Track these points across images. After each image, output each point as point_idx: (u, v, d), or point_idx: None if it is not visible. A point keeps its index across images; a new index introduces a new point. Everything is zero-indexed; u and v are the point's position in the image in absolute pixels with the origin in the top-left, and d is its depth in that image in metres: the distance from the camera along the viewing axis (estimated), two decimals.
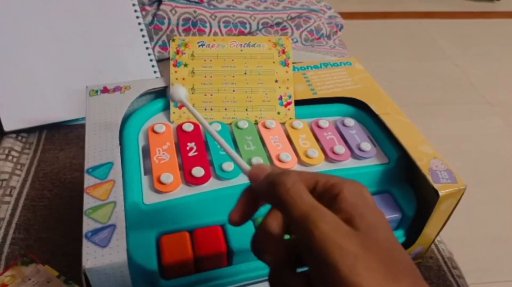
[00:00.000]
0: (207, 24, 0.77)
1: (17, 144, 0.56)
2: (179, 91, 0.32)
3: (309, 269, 0.22)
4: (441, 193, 0.36)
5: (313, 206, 0.22)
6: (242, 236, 0.35)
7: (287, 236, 0.25)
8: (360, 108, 0.47)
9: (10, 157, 0.54)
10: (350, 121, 0.46)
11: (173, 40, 0.45)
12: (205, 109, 0.44)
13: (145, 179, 0.37)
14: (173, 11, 0.75)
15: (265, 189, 0.24)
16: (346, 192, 0.23)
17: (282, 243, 0.24)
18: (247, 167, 0.26)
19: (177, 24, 0.75)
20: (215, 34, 0.78)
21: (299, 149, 0.41)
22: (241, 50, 0.46)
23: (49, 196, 0.50)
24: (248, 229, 0.35)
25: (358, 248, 0.20)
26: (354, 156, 0.42)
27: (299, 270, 0.24)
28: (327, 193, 0.23)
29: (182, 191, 0.36)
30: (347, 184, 0.23)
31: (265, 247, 0.24)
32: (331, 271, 0.20)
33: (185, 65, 0.45)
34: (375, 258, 0.20)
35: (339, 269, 0.20)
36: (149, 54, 0.66)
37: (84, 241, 0.30)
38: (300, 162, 0.40)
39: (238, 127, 0.43)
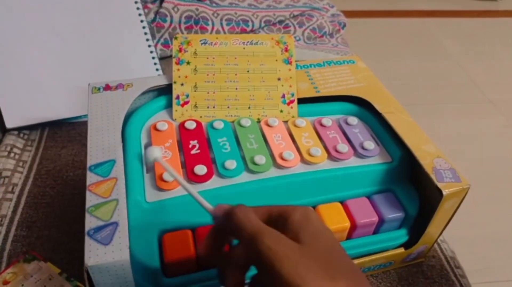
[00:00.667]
0: (210, 22, 0.77)
1: (19, 141, 0.56)
2: (154, 152, 0.35)
3: (263, 281, 0.25)
4: (445, 192, 0.36)
5: (259, 227, 0.26)
6: None
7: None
8: (363, 107, 0.47)
9: (12, 154, 0.54)
10: (353, 120, 0.45)
11: (176, 38, 0.45)
12: (208, 107, 0.44)
13: (147, 177, 0.37)
14: (176, 9, 0.75)
15: (223, 222, 0.28)
16: (294, 215, 0.26)
17: (243, 272, 0.27)
18: (210, 207, 0.30)
19: (179, 22, 0.75)
20: (218, 32, 0.77)
21: (302, 147, 0.41)
22: (244, 48, 0.46)
23: (51, 194, 0.50)
24: None
25: (298, 255, 0.24)
26: (357, 154, 0.42)
27: None
28: (280, 219, 0.27)
29: (184, 189, 0.36)
30: (295, 210, 0.27)
31: (228, 274, 0.27)
32: (276, 277, 0.23)
33: (188, 63, 0.45)
34: (314, 262, 0.24)
35: (282, 273, 0.23)
36: (151, 52, 0.66)
37: (87, 238, 0.30)
38: (303, 160, 0.40)
39: (240, 125, 0.43)
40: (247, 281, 0.28)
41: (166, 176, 0.36)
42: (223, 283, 0.28)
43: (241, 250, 0.27)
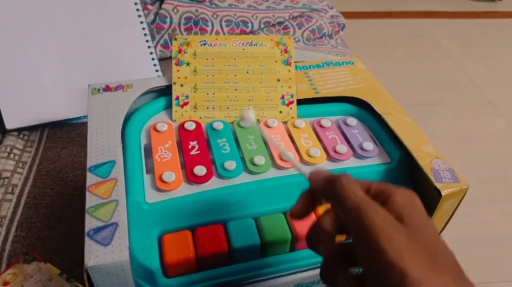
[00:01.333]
0: (209, 23, 0.77)
1: (19, 142, 0.57)
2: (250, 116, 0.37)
3: (359, 257, 0.24)
4: (443, 192, 0.36)
5: (365, 200, 0.24)
6: (243, 234, 0.35)
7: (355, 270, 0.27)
8: (362, 108, 0.47)
9: (12, 155, 0.54)
10: (352, 121, 0.46)
11: (175, 39, 0.45)
12: (207, 108, 0.44)
13: (147, 178, 0.37)
14: (175, 10, 0.75)
15: (323, 188, 0.27)
16: (397, 196, 0.25)
17: (333, 239, 0.27)
18: (306, 171, 0.30)
19: (179, 23, 0.75)
20: (217, 33, 0.78)
21: (301, 148, 0.41)
22: (243, 49, 0.46)
23: (51, 194, 0.51)
24: (250, 228, 0.35)
25: (406, 240, 0.22)
26: (356, 155, 0.42)
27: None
28: (379, 196, 0.25)
29: (184, 189, 0.36)
30: (398, 190, 0.25)
31: (318, 241, 0.27)
32: (379, 256, 0.22)
33: (187, 64, 0.45)
34: (420, 251, 0.22)
35: (387, 254, 0.21)
36: (151, 53, 0.66)
37: (86, 239, 0.30)
38: (302, 161, 0.40)
39: (240, 126, 0.43)
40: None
41: (166, 176, 0.36)
42: (313, 247, 0.28)
43: (332, 216, 0.26)
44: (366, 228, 0.23)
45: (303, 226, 0.35)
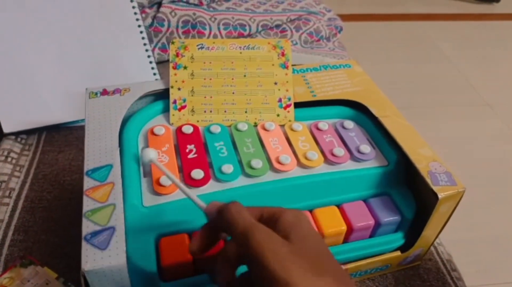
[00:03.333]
0: (207, 27, 0.77)
1: (17, 145, 0.57)
2: (149, 153, 0.36)
3: (252, 276, 0.26)
4: (440, 195, 0.36)
5: (251, 223, 0.26)
6: None
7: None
8: (359, 111, 0.47)
9: (9, 159, 0.54)
10: (349, 124, 0.46)
11: (173, 43, 0.45)
12: (205, 111, 0.44)
13: (144, 181, 0.37)
14: (173, 14, 0.76)
15: (216, 218, 0.29)
16: (285, 216, 0.27)
17: (234, 269, 0.28)
18: (203, 204, 0.30)
19: (177, 26, 0.76)
20: (215, 36, 0.78)
21: (299, 151, 0.42)
22: (241, 53, 0.46)
23: (48, 198, 0.50)
24: None
25: (288, 252, 0.25)
26: (353, 158, 0.42)
27: None
28: (271, 219, 0.28)
29: (181, 193, 0.36)
30: (286, 211, 0.28)
31: (219, 270, 0.28)
32: (265, 270, 0.24)
33: (185, 67, 0.45)
34: (302, 259, 0.24)
35: (271, 267, 0.23)
36: (148, 56, 0.66)
37: (84, 243, 0.30)
38: (300, 164, 0.41)
39: (237, 129, 0.43)
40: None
41: (163, 180, 0.36)
42: (214, 280, 0.29)
43: (233, 246, 0.27)
44: (252, 247, 0.25)
45: None
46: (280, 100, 0.46)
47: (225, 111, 0.45)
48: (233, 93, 0.45)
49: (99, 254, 0.29)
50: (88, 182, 0.34)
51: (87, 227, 0.31)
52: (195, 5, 0.79)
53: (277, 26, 0.83)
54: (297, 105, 0.46)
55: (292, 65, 0.47)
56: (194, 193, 0.36)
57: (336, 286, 0.24)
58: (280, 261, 0.24)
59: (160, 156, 0.39)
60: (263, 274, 0.24)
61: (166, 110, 0.44)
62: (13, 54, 0.59)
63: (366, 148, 0.42)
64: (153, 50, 0.72)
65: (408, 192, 0.42)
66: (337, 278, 0.24)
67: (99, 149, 0.37)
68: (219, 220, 0.28)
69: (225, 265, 0.28)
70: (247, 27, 0.80)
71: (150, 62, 0.66)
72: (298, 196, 0.39)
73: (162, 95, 0.45)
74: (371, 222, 0.39)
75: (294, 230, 0.26)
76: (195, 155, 0.40)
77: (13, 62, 0.59)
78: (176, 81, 0.45)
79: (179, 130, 0.42)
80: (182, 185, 0.32)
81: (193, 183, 0.37)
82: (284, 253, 0.24)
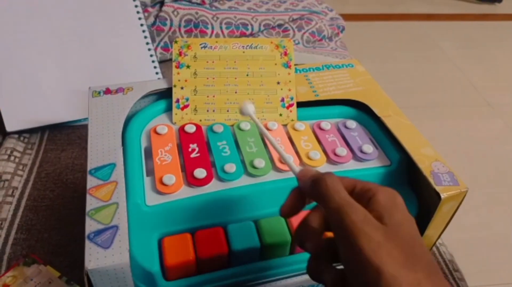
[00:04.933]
0: (209, 26, 0.77)
1: (19, 144, 0.57)
2: (248, 107, 0.37)
3: (340, 254, 0.25)
4: (443, 195, 0.36)
5: (347, 201, 0.25)
6: (243, 237, 0.35)
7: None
8: (362, 110, 0.47)
9: (12, 158, 0.54)
10: (352, 123, 0.46)
11: (176, 42, 0.46)
12: (207, 111, 0.44)
13: (147, 180, 0.37)
14: (175, 13, 0.76)
15: (309, 187, 0.28)
16: (379, 195, 0.26)
17: (321, 236, 0.28)
18: (296, 168, 0.30)
19: (179, 26, 0.76)
20: (217, 35, 0.78)
21: (301, 151, 0.42)
22: (243, 52, 0.46)
23: (51, 197, 0.51)
24: (249, 231, 0.36)
25: (383, 238, 0.23)
26: (355, 158, 0.42)
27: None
28: (363, 195, 0.27)
29: (184, 192, 0.36)
30: (381, 189, 0.27)
31: (306, 238, 0.28)
32: (357, 253, 0.23)
33: (188, 66, 0.45)
34: (396, 248, 0.23)
35: (364, 252, 0.23)
36: (151, 55, 0.66)
37: (87, 242, 0.30)
38: (302, 164, 0.41)
39: (240, 129, 0.43)
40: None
41: (166, 179, 0.36)
42: (300, 244, 0.29)
43: (318, 215, 0.27)
44: (345, 227, 0.24)
45: None
46: (282, 100, 0.46)
47: (227, 111, 0.45)
48: (235, 92, 0.45)
49: (102, 253, 0.29)
50: (91, 181, 0.34)
51: (90, 225, 0.31)
52: (198, 4, 0.79)
53: (279, 25, 0.83)
54: (300, 104, 0.46)
55: (295, 64, 0.47)
56: (196, 192, 0.37)
57: (427, 282, 0.23)
58: (374, 247, 0.23)
59: (162, 155, 0.39)
60: (355, 257, 0.23)
61: (169, 109, 0.45)
62: (16, 53, 0.59)
63: (368, 147, 0.42)
64: (155, 49, 0.72)
65: (410, 192, 0.42)
66: (429, 273, 0.23)
67: (102, 148, 0.37)
68: (312, 190, 0.27)
69: (312, 233, 0.27)
70: (249, 27, 0.80)
71: (153, 61, 0.66)
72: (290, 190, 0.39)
73: (165, 94, 0.45)
74: None
75: (389, 213, 0.25)
76: (198, 154, 0.40)
77: (16, 62, 0.59)
78: (179, 80, 0.45)
79: (181, 129, 0.43)
80: (273, 139, 0.33)
81: (195, 182, 0.37)
82: (378, 238, 0.23)
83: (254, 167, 0.39)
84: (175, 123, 0.44)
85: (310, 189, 0.28)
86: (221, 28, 0.78)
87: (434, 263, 0.25)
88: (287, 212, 0.30)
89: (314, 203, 0.29)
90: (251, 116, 0.37)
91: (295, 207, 0.29)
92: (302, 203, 0.30)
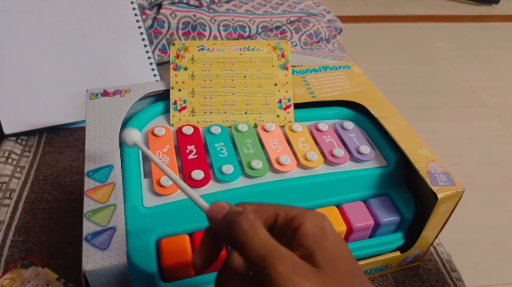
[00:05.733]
0: (207, 28, 0.77)
1: (17, 147, 0.57)
2: (132, 134, 0.33)
3: None
4: (439, 195, 0.36)
5: (270, 248, 0.21)
6: None
7: None
8: (359, 112, 0.47)
9: (10, 160, 0.54)
10: (349, 124, 0.46)
11: (173, 44, 0.46)
12: (205, 112, 0.45)
13: (145, 182, 0.37)
14: (173, 15, 0.76)
15: (223, 230, 0.23)
16: (306, 225, 0.22)
17: (245, 279, 0.24)
18: (206, 205, 0.25)
19: (177, 28, 0.76)
20: (215, 37, 0.78)
21: (299, 152, 0.42)
22: (241, 54, 0.46)
23: (49, 199, 0.51)
24: None
25: (318, 285, 0.20)
26: (353, 159, 0.42)
27: None
28: (288, 227, 0.23)
29: (182, 194, 0.36)
30: (307, 217, 0.23)
31: (226, 282, 0.24)
32: None
33: (185, 68, 0.45)
34: None
35: None
36: (149, 58, 0.66)
37: (84, 243, 0.30)
38: (299, 165, 0.41)
39: (237, 130, 0.43)
40: None
41: (163, 181, 0.36)
42: None
43: (242, 261, 0.23)
44: (274, 283, 0.20)
45: None
46: (280, 101, 0.46)
47: (225, 112, 0.45)
48: (233, 94, 0.45)
49: (100, 254, 0.29)
50: (88, 183, 0.34)
51: (87, 227, 0.31)
52: (195, 6, 0.79)
53: (277, 27, 0.83)
54: (297, 106, 0.46)
55: (292, 66, 0.48)
56: (197, 192, 0.37)
57: None
58: None
59: (160, 157, 0.39)
60: None
61: (166, 111, 0.45)
62: (14, 55, 0.59)
63: (365, 148, 0.42)
64: (153, 52, 0.72)
65: (407, 192, 0.42)
66: None
67: (99, 150, 0.37)
68: (227, 234, 0.23)
69: (235, 280, 0.24)
70: (247, 29, 0.80)
71: (151, 64, 0.66)
72: (298, 196, 0.39)
73: (163, 96, 0.45)
74: (371, 222, 0.39)
75: (319, 248, 0.22)
76: (195, 156, 0.40)
77: (14, 64, 0.59)
78: (176, 82, 0.45)
79: (179, 131, 0.43)
80: (177, 178, 0.28)
81: (193, 183, 0.37)
82: None
83: (251, 168, 0.39)
84: (172, 124, 0.44)
85: (224, 234, 0.23)
86: (218, 30, 0.78)
87: None
88: (202, 263, 0.24)
89: None
90: (137, 144, 0.32)
91: (211, 256, 0.24)
92: (219, 248, 0.25)
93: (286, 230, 0.23)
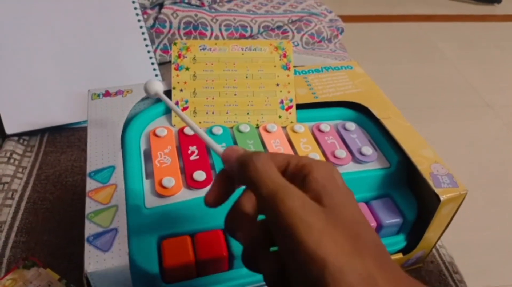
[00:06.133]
0: (208, 28, 0.77)
1: (19, 147, 0.57)
2: (155, 85, 0.34)
3: (278, 246, 0.22)
4: (442, 197, 0.36)
5: (281, 184, 0.22)
6: None
7: (261, 216, 0.25)
8: (361, 112, 0.47)
9: (12, 160, 0.54)
10: (351, 125, 0.46)
11: (175, 44, 0.46)
12: (207, 113, 0.44)
13: (146, 183, 0.37)
14: (175, 15, 0.76)
15: (236, 169, 0.24)
16: (316, 172, 0.23)
17: (254, 222, 0.25)
18: (220, 149, 0.26)
19: (179, 28, 0.76)
20: (216, 37, 0.78)
21: (300, 153, 0.42)
22: (243, 54, 0.46)
23: (51, 199, 0.51)
24: None
25: (324, 223, 0.21)
26: (355, 160, 0.42)
27: (272, 249, 0.24)
28: (298, 173, 0.24)
29: (184, 195, 0.36)
30: (317, 165, 0.24)
31: (238, 226, 0.25)
32: (298, 245, 0.20)
33: (187, 68, 0.45)
34: (340, 233, 0.21)
35: (305, 244, 0.20)
36: (150, 58, 0.66)
37: (86, 245, 0.30)
38: None
39: (239, 131, 0.43)
40: None
41: (165, 182, 0.36)
42: (234, 236, 0.26)
43: (250, 197, 0.24)
44: (281, 216, 0.21)
45: None
46: (282, 102, 0.46)
47: (227, 113, 0.45)
48: (235, 94, 0.45)
49: (102, 255, 0.29)
50: (90, 184, 0.34)
51: (89, 228, 0.31)
52: (197, 6, 0.79)
53: (279, 27, 0.83)
54: (299, 106, 0.46)
55: (294, 66, 0.47)
56: (196, 194, 0.37)
57: (379, 272, 0.20)
58: (315, 237, 0.20)
59: (162, 158, 0.39)
60: (295, 249, 0.20)
61: (168, 111, 0.45)
62: (15, 55, 0.59)
63: (368, 149, 0.42)
64: (154, 51, 0.72)
65: (410, 194, 0.42)
66: (379, 260, 0.21)
67: (101, 150, 0.37)
68: (240, 174, 0.24)
69: (244, 219, 0.24)
70: (248, 28, 0.80)
71: (152, 63, 0.66)
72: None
73: None
74: (373, 224, 0.39)
75: (327, 191, 0.22)
76: (197, 157, 0.40)
77: (15, 64, 0.59)
78: (178, 83, 0.45)
79: (181, 131, 0.43)
80: (192, 122, 0.29)
81: (195, 184, 0.37)
82: (320, 225, 0.21)
83: None
84: (174, 125, 0.44)
85: (237, 173, 0.24)
86: (220, 30, 0.78)
87: (382, 246, 0.22)
88: (213, 200, 0.25)
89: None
90: (159, 94, 0.33)
91: (222, 194, 0.26)
92: (231, 189, 0.26)
93: (297, 176, 0.24)
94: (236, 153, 0.25)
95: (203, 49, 0.46)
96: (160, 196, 0.36)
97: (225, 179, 0.26)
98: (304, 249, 0.20)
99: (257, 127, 0.44)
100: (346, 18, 1.02)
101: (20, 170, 0.54)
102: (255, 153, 0.24)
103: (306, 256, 0.20)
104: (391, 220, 0.39)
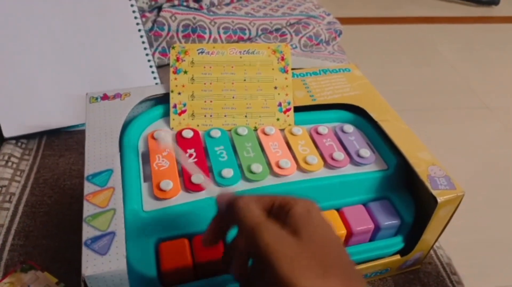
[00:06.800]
0: (207, 31, 0.78)
1: (17, 150, 0.57)
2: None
3: (259, 275, 0.26)
4: (439, 199, 0.36)
5: (260, 221, 0.26)
6: None
7: None
8: (359, 115, 0.47)
9: (9, 163, 0.54)
10: (349, 128, 0.46)
11: (173, 47, 0.46)
12: (205, 116, 0.45)
13: (144, 186, 0.37)
14: (173, 18, 0.76)
15: (225, 210, 0.29)
16: (294, 209, 0.27)
17: (246, 261, 0.28)
18: (215, 191, 0.30)
19: (177, 31, 0.76)
20: (215, 40, 0.78)
21: (298, 155, 0.42)
22: (241, 57, 0.46)
23: (49, 203, 0.50)
24: None
25: (296, 252, 0.24)
26: (353, 162, 0.42)
27: None
28: (282, 210, 0.27)
29: (182, 197, 0.37)
30: (296, 202, 0.27)
31: (231, 262, 0.29)
32: (273, 272, 0.23)
33: (185, 72, 0.45)
34: (310, 260, 0.24)
35: (279, 270, 0.23)
36: (149, 61, 0.66)
37: (84, 248, 0.30)
38: (299, 168, 0.41)
39: (237, 134, 0.43)
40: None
41: (163, 185, 0.36)
42: (227, 268, 0.29)
43: (243, 240, 0.27)
44: (261, 248, 0.24)
45: None
46: (280, 104, 0.46)
47: (225, 116, 0.45)
48: (233, 97, 0.45)
49: (100, 259, 0.29)
50: (88, 187, 0.34)
51: (87, 232, 0.31)
52: (195, 9, 0.79)
53: (277, 30, 0.83)
54: (297, 109, 0.46)
55: (292, 69, 0.48)
56: (194, 197, 0.37)
57: (342, 286, 0.23)
58: (288, 264, 0.23)
59: (160, 161, 0.39)
60: (271, 275, 0.24)
61: (166, 114, 0.45)
62: (14, 58, 0.59)
63: (365, 152, 0.42)
64: (153, 54, 0.72)
65: (407, 196, 0.42)
66: (345, 278, 0.24)
67: (99, 154, 0.37)
68: (227, 213, 0.28)
69: (237, 256, 0.28)
70: (247, 31, 0.80)
71: (151, 66, 0.66)
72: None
73: (163, 100, 0.45)
74: (371, 226, 0.39)
75: (304, 224, 0.26)
76: (195, 160, 0.40)
77: (14, 67, 0.59)
78: (176, 86, 0.45)
79: (179, 134, 0.43)
80: (193, 165, 0.34)
81: (193, 187, 0.37)
82: (293, 254, 0.24)
83: (251, 172, 0.39)
84: (172, 128, 0.44)
85: (226, 213, 0.29)
86: (218, 33, 0.78)
87: (352, 266, 0.26)
88: (209, 240, 0.30)
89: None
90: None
91: (216, 235, 0.30)
92: (224, 230, 0.30)
93: (280, 213, 0.27)
94: (227, 196, 0.29)
95: (201, 52, 0.46)
96: (158, 199, 0.36)
97: (219, 221, 0.30)
98: (278, 274, 0.23)
99: (255, 129, 0.45)
100: (344, 20, 1.02)
101: (18, 173, 0.54)
102: (240, 196, 0.28)
103: (280, 280, 0.23)
104: (389, 222, 0.39)
